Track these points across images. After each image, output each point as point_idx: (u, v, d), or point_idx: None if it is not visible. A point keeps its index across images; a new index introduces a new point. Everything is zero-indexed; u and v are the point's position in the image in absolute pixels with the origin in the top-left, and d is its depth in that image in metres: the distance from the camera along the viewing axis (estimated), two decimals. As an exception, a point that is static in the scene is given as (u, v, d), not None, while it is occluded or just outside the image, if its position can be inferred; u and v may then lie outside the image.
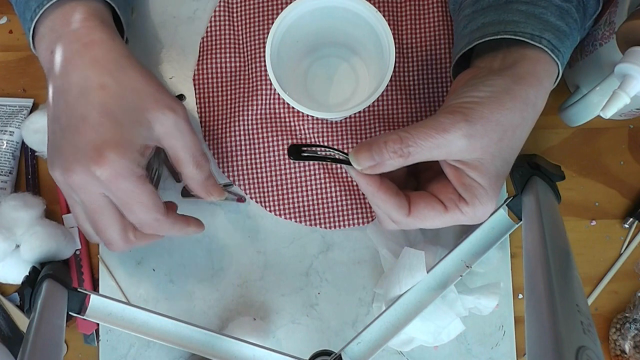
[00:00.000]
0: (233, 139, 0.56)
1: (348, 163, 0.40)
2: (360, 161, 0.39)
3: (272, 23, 0.47)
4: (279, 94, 0.47)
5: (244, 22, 0.57)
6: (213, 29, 0.57)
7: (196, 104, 0.57)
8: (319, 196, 0.55)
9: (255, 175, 0.56)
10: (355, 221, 0.55)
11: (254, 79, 0.56)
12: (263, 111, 0.55)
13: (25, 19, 0.45)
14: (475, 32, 0.44)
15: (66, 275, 0.50)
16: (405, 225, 0.42)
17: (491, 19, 0.44)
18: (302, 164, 0.55)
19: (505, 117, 0.38)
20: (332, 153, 0.40)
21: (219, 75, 0.57)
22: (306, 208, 0.55)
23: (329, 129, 0.55)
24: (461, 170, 0.40)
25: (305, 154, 0.40)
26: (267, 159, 0.56)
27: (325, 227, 0.55)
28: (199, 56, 0.57)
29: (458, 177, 0.40)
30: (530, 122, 0.41)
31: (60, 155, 0.41)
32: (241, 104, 0.56)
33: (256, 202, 0.55)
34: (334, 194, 0.55)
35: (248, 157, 0.56)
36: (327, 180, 0.55)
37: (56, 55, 0.42)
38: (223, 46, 0.57)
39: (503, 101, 0.39)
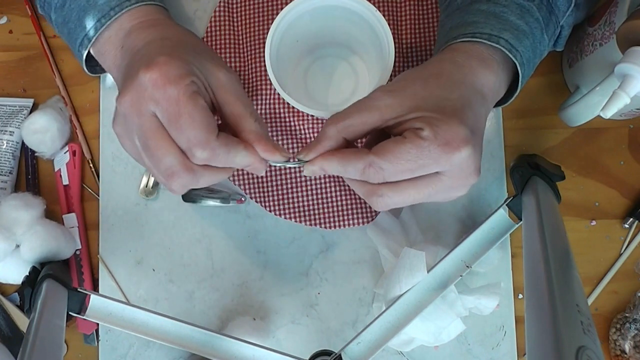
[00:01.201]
0: (233, 139, 0.56)
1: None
2: (306, 149, 0.41)
3: (272, 23, 0.47)
4: (279, 94, 0.47)
5: (243, 22, 0.57)
6: (213, 29, 0.57)
7: (196, 104, 0.56)
8: (319, 196, 0.55)
9: (255, 175, 0.56)
10: (355, 221, 0.55)
11: (254, 79, 0.56)
12: (263, 111, 0.55)
13: (82, 27, 0.46)
14: (443, 37, 0.45)
15: (66, 275, 0.50)
16: (378, 175, 0.38)
17: (456, 22, 0.45)
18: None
19: (419, 72, 0.41)
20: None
21: (219, 75, 0.56)
22: (306, 208, 0.55)
23: (329, 129, 0.55)
24: (405, 120, 0.39)
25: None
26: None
27: (325, 227, 0.55)
28: (199, 56, 0.57)
29: (407, 123, 0.39)
30: (456, 75, 0.41)
31: (119, 90, 0.40)
32: (241, 104, 0.56)
33: (256, 202, 0.55)
34: (334, 194, 0.55)
35: (248, 157, 0.56)
36: (327, 180, 0.55)
37: (125, 45, 0.44)
38: (223, 46, 0.57)
39: (419, 67, 0.42)
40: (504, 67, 0.43)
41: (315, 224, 0.55)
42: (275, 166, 0.55)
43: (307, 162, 0.41)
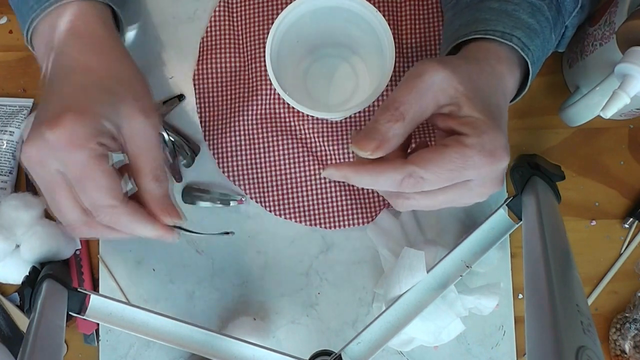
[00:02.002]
0: (233, 139, 0.56)
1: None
2: (365, 146, 0.37)
3: (272, 23, 0.47)
4: (279, 94, 0.47)
5: (244, 22, 0.57)
6: (213, 29, 0.57)
7: (196, 104, 0.57)
8: (319, 196, 0.55)
9: (255, 175, 0.56)
10: (355, 221, 0.55)
11: (254, 79, 0.56)
12: (263, 111, 0.55)
13: (22, 15, 0.44)
14: (452, 35, 0.45)
15: (66, 275, 0.50)
16: (417, 186, 0.37)
17: (465, 20, 0.44)
18: (302, 164, 0.56)
19: (460, 66, 0.38)
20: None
21: (219, 75, 0.57)
22: (306, 208, 0.55)
23: (329, 129, 0.55)
24: (454, 112, 0.37)
25: None
26: (267, 159, 0.56)
27: (325, 227, 0.55)
28: (199, 56, 0.57)
29: (454, 120, 0.37)
30: (493, 79, 0.40)
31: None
32: (241, 104, 0.56)
33: (256, 202, 0.55)
34: (334, 194, 0.55)
35: (248, 157, 0.56)
36: (327, 180, 0.55)
37: (53, 51, 0.42)
38: (223, 46, 0.57)
39: (456, 57, 0.41)
40: (519, 67, 0.43)
41: (316, 224, 0.55)
42: (275, 167, 0.56)
43: (329, 166, 0.38)
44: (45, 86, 0.41)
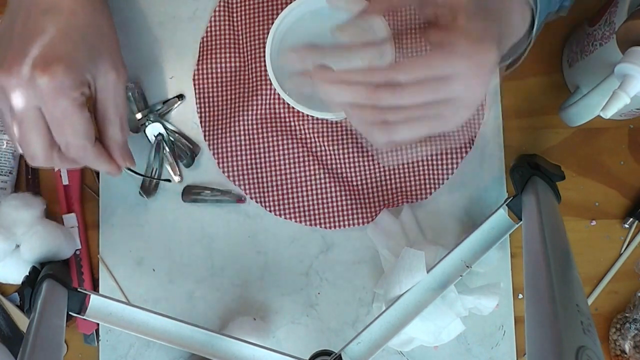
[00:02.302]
0: (233, 139, 0.56)
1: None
2: None
3: (272, 23, 0.47)
4: (279, 94, 0.47)
5: (244, 22, 0.57)
6: (213, 29, 0.57)
7: (196, 104, 0.57)
8: (319, 196, 0.55)
9: (255, 175, 0.56)
10: (355, 221, 0.55)
11: (254, 79, 0.56)
12: (263, 111, 0.55)
13: None
14: None
15: (66, 275, 0.50)
16: (390, 94, 0.35)
17: None
18: (302, 164, 0.56)
19: None
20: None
21: (219, 75, 0.57)
22: (306, 208, 0.55)
23: (329, 129, 0.55)
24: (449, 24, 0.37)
25: None
26: (267, 159, 0.56)
27: (325, 227, 0.55)
28: (199, 56, 0.57)
29: (446, 31, 0.36)
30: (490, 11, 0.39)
31: (2, 56, 0.41)
32: (241, 104, 0.56)
33: (256, 202, 0.55)
34: (334, 194, 0.55)
35: (248, 157, 0.56)
36: (327, 180, 0.55)
37: None
38: (223, 46, 0.57)
39: None
40: (529, 10, 0.41)
41: (316, 224, 0.55)
42: (275, 167, 0.56)
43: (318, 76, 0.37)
44: (19, 10, 0.42)
